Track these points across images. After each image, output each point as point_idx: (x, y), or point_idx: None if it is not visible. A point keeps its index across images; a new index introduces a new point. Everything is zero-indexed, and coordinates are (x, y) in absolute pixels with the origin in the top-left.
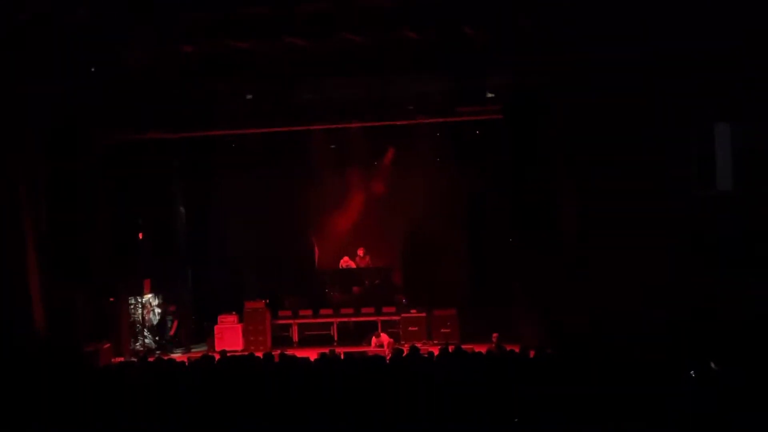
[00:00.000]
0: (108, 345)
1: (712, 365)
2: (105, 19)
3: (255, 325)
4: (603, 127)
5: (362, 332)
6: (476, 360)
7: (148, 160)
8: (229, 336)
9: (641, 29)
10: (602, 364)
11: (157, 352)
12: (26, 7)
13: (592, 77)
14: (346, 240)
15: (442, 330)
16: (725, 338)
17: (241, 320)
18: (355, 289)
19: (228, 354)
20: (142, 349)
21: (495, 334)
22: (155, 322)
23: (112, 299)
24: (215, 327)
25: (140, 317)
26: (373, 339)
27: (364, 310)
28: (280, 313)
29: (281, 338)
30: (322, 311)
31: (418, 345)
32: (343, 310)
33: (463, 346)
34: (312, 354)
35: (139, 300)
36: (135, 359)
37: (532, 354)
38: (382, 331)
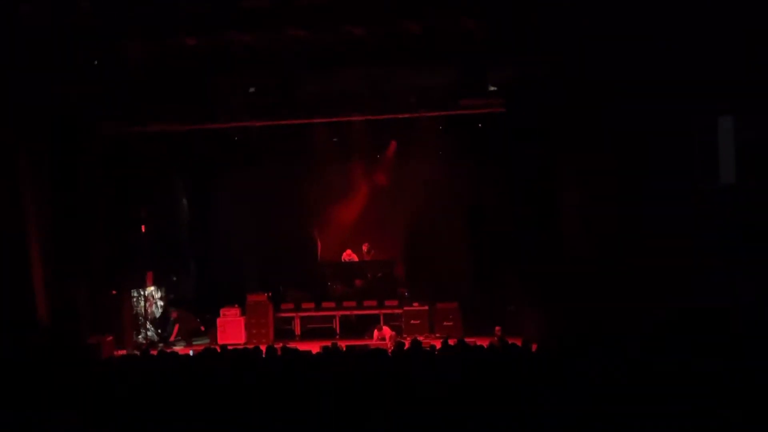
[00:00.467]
0: (110, 338)
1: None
2: (107, 11)
3: (257, 318)
4: (605, 119)
5: (364, 325)
6: (478, 353)
7: (151, 153)
8: (232, 329)
9: (645, 21)
10: (604, 360)
11: (160, 344)
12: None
13: (595, 70)
14: (349, 233)
15: (444, 323)
16: (726, 333)
17: (243, 313)
18: (357, 282)
19: (230, 347)
20: (144, 341)
21: (498, 328)
22: (157, 315)
23: (114, 292)
24: (218, 320)
25: (143, 310)
26: (375, 332)
27: (366, 303)
28: (283, 306)
29: (283, 331)
30: (325, 304)
31: (420, 338)
32: (346, 303)
33: (465, 340)
34: (314, 347)
35: (142, 293)
36: (137, 352)
37: (534, 348)
38: (384, 324)
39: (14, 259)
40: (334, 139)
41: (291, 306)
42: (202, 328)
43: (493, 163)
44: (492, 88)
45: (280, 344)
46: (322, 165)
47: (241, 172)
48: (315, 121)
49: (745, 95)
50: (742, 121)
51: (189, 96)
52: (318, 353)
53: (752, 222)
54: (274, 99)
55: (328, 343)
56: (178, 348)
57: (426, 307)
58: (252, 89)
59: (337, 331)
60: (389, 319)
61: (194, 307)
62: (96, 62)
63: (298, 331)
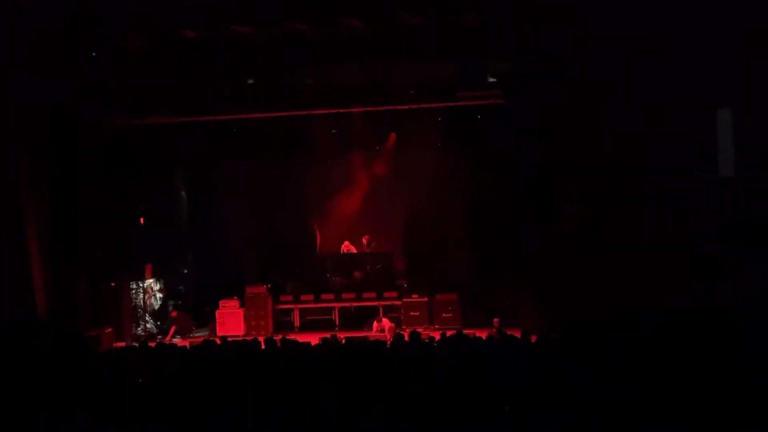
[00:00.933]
0: (110, 330)
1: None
2: (105, 4)
3: (256, 310)
4: (604, 113)
5: (363, 317)
6: (476, 344)
7: (150, 146)
8: (231, 321)
9: (644, 15)
10: (604, 353)
11: (159, 336)
12: None
13: (594, 61)
14: (348, 225)
15: (443, 315)
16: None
17: (242, 305)
18: (356, 274)
19: (229, 339)
20: (143, 334)
21: (496, 319)
22: (156, 307)
23: (113, 284)
24: (217, 312)
25: (142, 302)
26: (375, 324)
27: (365, 295)
28: (282, 298)
29: (283, 323)
30: (324, 296)
31: (420, 330)
32: (345, 295)
33: (464, 331)
34: (313, 339)
35: (141, 285)
36: (136, 344)
37: (533, 339)
38: (384, 315)
39: (13, 252)
40: (334, 131)
41: (290, 298)
42: (194, 327)
43: (492, 155)
44: (491, 80)
45: (280, 336)
46: (321, 157)
47: (241, 164)
48: (314, 113)
49: (744, 88)
50: (741, 114)
51: (188, 89)
52: (317, 345)
53: (752, 214)
54: (273, 91)
55: (328, 335)
56: (177, 340)
57: (425, 299)
58: (251, 81)
59: (337, 323)
60: (388, 311)
61: (193, 299)
62: (94, 55)
63: (297, 322)
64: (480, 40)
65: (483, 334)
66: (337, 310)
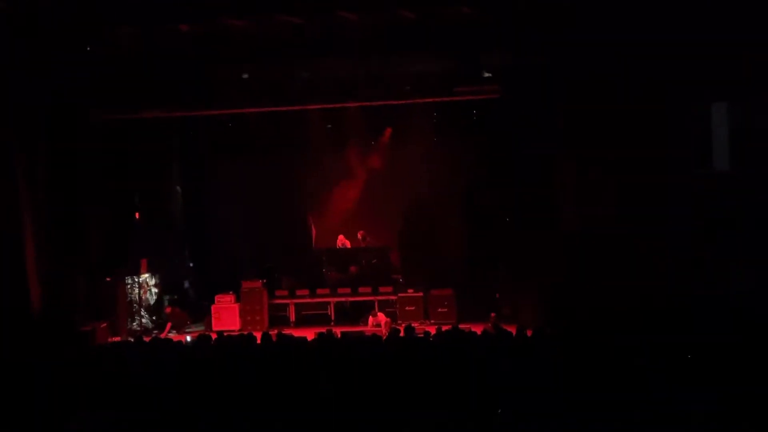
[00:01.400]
0: (105, 324)
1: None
2: None
3: (252, 305)
4: (601, 106)
5: (359, 312)
6: (471, 339)
7: (145, 140)
8: (226, 316)
9: (640, 9)
10: (599, 346)
11: (154, 331)
12: None
13: (590, 56)
14: (343, 220)
15: (439, 310)
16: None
17: (238, 300)
18: (352, 268)
19: (225, 334)
20: (139, 328)
21: (492, 314)
22: (152, 302)
23: (108, 279)
24: (212, 307)
25: (137, 297)
26: (370, 318)
27: (361, 290)
28: (277, 292)
29: (278, 318)
30: (319, 291)
31: (415, 325)
32: (340, 290)
33: (460, 326)
34: (309, 334)
35: (136, 280)
36: (131, 339)
37: (529, 334)
38: (379, 310)
39: (8, 246)
40: (329, 126)
41: (286, 293)
42: (189, 322)
43: (488, 150)
44: (487, 75)
45: (275, 331)
46: (316, 152)
47: (236, 158)
48: (309, 107)
49: (739, 82)
50: (736, 108)
51: (183, 83)
52: (313, 340)
53: (746, 209)
54: (269, 85)
55: (323, 330)
56: (173, 335)
57: (421, 294)
58: (245, 76)
59: (332, 318)
60: (384, 306)
61: (189, 294)
62: (89, 49)
63: (292, 317)
64: (476, 34)
65: (479, 330)
66: (332, 305)
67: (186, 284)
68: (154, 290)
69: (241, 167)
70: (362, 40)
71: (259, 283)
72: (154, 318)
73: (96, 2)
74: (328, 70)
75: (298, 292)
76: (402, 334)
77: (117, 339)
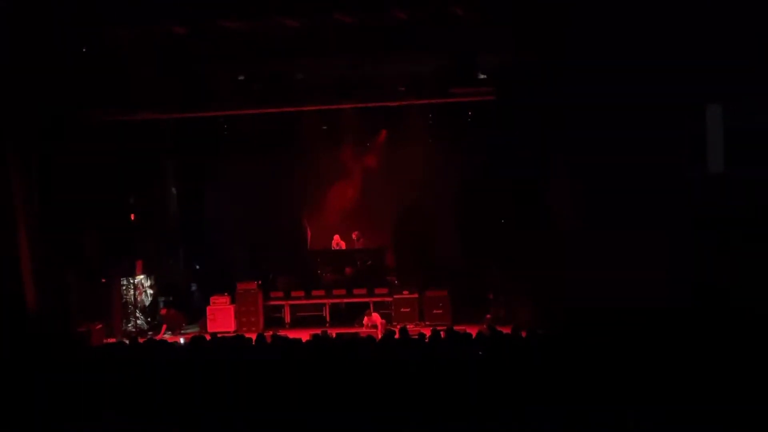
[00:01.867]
0: (100, 326)
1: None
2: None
3: (247, 306)
4: (595, 107)
5: (354, 313)
6: (466, 341)
7: (140, 141)
8: (222, 317)
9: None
10: (594, 346)
11: (149, 333)
12: None
13: (584, 59)
14: (339, 221)
15: (434, 311)
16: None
17: (233, 301)
18: (347, 269)
19: (219, 335)
20: (134, 330)
21: (487, 315)
22: (147, 304)
23: (104, 280)
24: (207, 308)
25: (132, 298)
26: (366, 318)
27: (356, 291)
28: (273, 294)
29: (273, 319)
30: (315, 292)
31: (410, 326)
32: (336, 291)
33: (455, 328)
34: (304, 335)
35: (131, 281)
36: (126, 340)
37: (523, 335)
38: (374, 311)
39: (3, 246)
40: (324, 127)
41: (281, 294)
42: (184, 323)
43: (483, 151)
44: (482, 76)
45: (270, 332)
46: (311, 153)
47: (231, 160)
48: (305, 108)
49: (734, 83)
50: (730, 110)
51: (178, 84)
52: (308, 341)
53: (741, 211)
54: (264, 87)
55: (318, 331)
56: (168, 336)
57: (416, 295)
58: (241, 77)
59: (327, 319)
60: (379, 307)
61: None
62: (84, 50)
63: (288, 319)
64: (470, 34)
65: (474, 331)
66: (327, 307)
67: (193, 287)
68: (150, 292)
69: (236, 168)
70: (357, 42)
71: (254, 285)
72: (149, 319)
73: (92, 3)
74: (323, 72)
75: (294, 294)
76: (397, 335)
77: (112, 340)
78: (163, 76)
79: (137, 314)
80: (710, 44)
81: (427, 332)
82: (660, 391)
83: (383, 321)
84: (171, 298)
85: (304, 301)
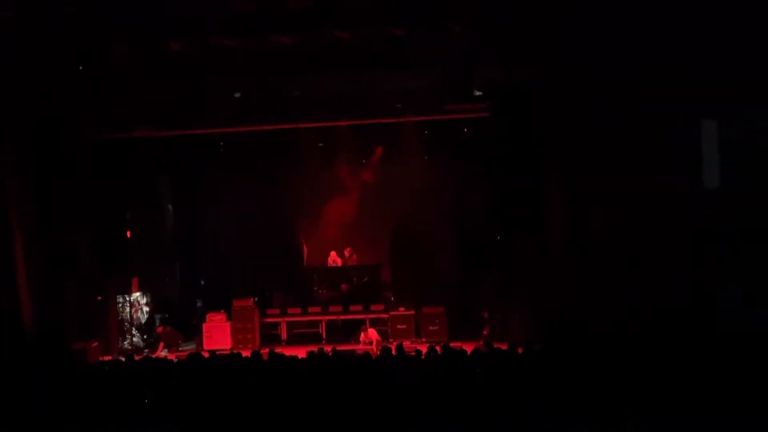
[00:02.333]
0: (96, 343)
1: None
2: (92, 14)
3: (243, 324)
4: (590, 124)
5: (350, 330)
6: (462, 357)
7: (136, 157)
8: (218, 334)
9: (630, 27)
10: (589, 361)
11: (145, 350)
12: (10, 1)
13: (580, 75)
14: (335, 238)
15: (430, 328)
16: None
17: (229, 318)
18: (343, 286)
19: (216, 352)
20: (130, 347)
21: (485, 332)
22: (143, 321)
23: (100, 297)
24: (203, 325)
25: (128, 316)
26: (362, 335)
27: (352, 308)
28: (269, 311)
29: (270, 336)
30: (311, 309)
31: (407, 343)
32: (332, 308)
33: (451, 344)
34: (300, 352)
35: (127, 298)
36: (123, 358)
37: (520, 351)
38: (371, 327)
39: None
40: (320, 144)
41: (277, 311)
42: (181, 341)
43: (479, 167)
44: (477, 93)
45: (267, 349)
46: (308, 169)
47: (227, 176)
48: (301, 126)
49: (729, 98)
50: (726, 125)
51: (175, 101)
52: (304, 358)
53: (736, 225)
54: (261, 104)
55: (315, 348)
56: (164, 353)
57: (412, 312)
58: (238, 94)
59: (324, 336)
60: (375, 324)
61: (180, 313)
62: (81, 67)
63: (284, 336)
64: (466, 51)
65: (470, 347)
66: (324, 323)
67: (199, 303)
68: (146, 309)
69: (232, 185)
70: (353, 59)
71: (250, 302)
72: (145, 337)
73: (90, 19)
74: (319, 89)
75: (290, 311)
76: (394, 352)
77: (108, 358)
78: (159, 93)
79: (133, 332)
80: (706, 60)
81: (424, 349)
82: (657, 398)
83: (379, 338)
84: (167, 316)
85: (300, 318)
